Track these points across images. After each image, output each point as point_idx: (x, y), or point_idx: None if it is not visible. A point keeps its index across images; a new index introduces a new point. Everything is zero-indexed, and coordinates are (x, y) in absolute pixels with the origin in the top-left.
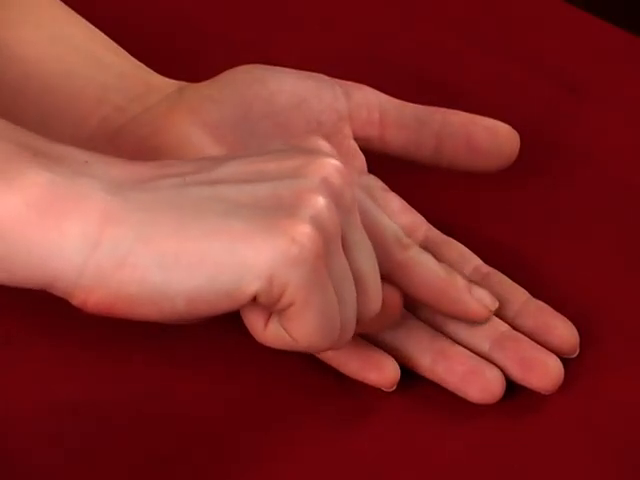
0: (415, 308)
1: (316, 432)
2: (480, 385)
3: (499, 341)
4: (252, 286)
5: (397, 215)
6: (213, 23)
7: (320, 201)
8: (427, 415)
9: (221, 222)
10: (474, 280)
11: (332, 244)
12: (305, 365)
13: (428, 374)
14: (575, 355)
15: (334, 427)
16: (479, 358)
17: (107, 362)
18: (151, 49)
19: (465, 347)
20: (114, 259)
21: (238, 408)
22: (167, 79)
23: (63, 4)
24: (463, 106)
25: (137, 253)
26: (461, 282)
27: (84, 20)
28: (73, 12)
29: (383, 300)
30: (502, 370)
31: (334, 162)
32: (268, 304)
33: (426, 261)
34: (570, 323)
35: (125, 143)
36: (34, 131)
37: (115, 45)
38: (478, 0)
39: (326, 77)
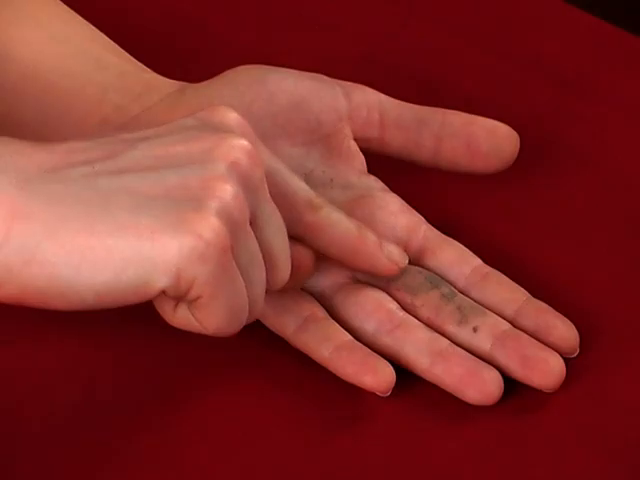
0: (415, 308)
1: (316, 433)
2: (478, 387)
3: (500, 340)
4: (159, 282)
5: (397, 215)
6: (213, 23)
7: (227, 190)
8: (427, 415)
9: (129, 218)
10: (474, 280)
11: (239, 231)
12: (305, 366)
13: (426, 375)
14: (575, 355)
15: (334, 428)
16: (477, 359)
17: (107, 362)
18: (151, 49)
19: (466, 346)
20: (22, 255)
21: (238, 409)
22: (167, 79)
23: (63, 4)
24: (463, 106)
25: (45, 250)
26: (372, 238)
27: (84, 20)
28: (73, 12)
29: (295, 262)
30: (504, 369)
31: (241, 142)
32: (176, 297)
33: (337, 219)
34: (570, 323)
35: None
36: (34, 131)
37: (115, 45)
38: (478, 0)
39: (326, 77)
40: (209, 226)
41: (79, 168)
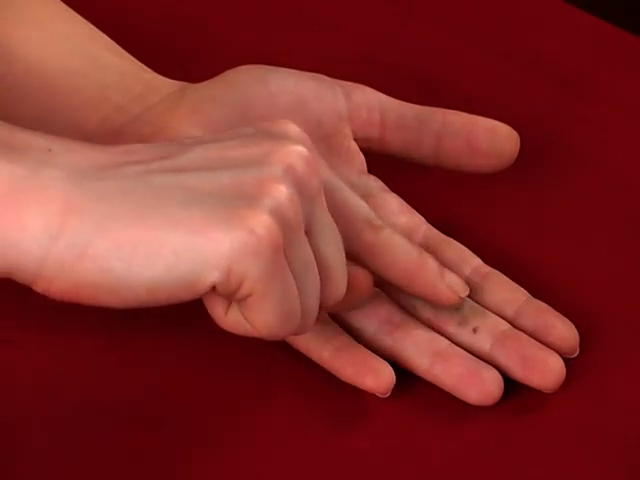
0: (414, 309)
1: (316, 433)
2: (478, 387)
3: (500, 340)
4: (210, 277)
5: (397, 215)
6: (213, 23)
7: (282, 191)
8: (427, 415)
9: (181, 212)
10: (474, 280)
11: (293, 234)
12: (306, 367)
13: (426, 376)
14: (575, 355)
15: (334, 428)
16: (477, 360)
17: (107, 362)
18: (151, 49)
19: (466, 347)
20: (74, 251)
21: (238, 409)
22: (167, 79)
23: (63, 4)
24: (463, 106)
25: (96, 245)
26: (433, 265)
27: (84, 20)
28: (73, 12)
29: (351, 282)
30: (504, 369)
31: (299, 149)
32: (227, 294)
33: (398, 242)
34: (570, 323)
35: (125, 143)
36: (34, 130)
37: (115, 45)
38: (478, 0)
39: (326, 77)
40: (262, 223)
41: (134, 166)
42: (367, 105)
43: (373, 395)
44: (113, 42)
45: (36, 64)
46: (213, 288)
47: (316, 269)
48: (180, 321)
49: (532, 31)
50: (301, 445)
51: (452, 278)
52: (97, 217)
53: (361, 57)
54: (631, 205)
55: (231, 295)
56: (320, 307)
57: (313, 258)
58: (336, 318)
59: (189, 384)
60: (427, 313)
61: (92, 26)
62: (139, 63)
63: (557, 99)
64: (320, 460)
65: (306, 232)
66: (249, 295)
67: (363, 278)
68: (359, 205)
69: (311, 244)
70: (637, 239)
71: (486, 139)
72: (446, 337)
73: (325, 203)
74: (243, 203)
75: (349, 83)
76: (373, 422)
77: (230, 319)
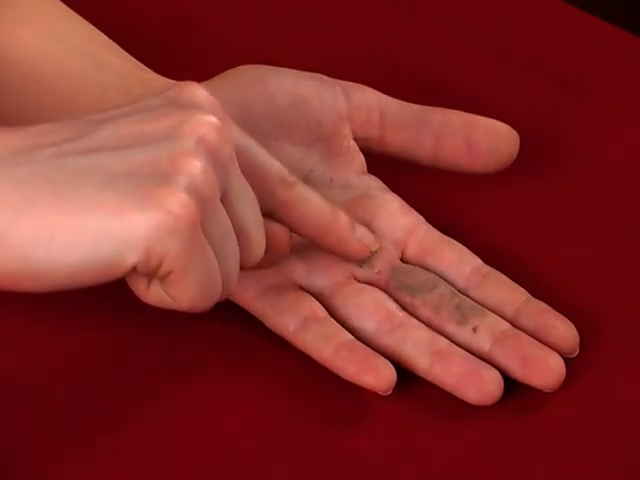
0: (414, 308)
1: (316, 433)
2: (478, 387)
3: (500, 340)
4: (130, 259)
5: (397, 215)
6: (213, 23)
7: (196, 165)
8: (427, 415)
9: (96, 195)
10: (473, 280)
11: (209, 206)
12: (305, 366)
13: (426, 375)
14: (575, 355)
15: (334, 428)
16: (477, 359)
17: (107, 362)
18: (151, 49)
19: (466, 347)
20: None
21: (238, 409)
22: (167, 79)
23: (63, 5)
24: (463, 106)
25: (14, 232)
26: (345, 219)
27: (84, 20)
28: (73, 12)
29: (270, 240)
30: (503, 368)
31: (209, 118)
32: (147, 273)
33: (311, 197)
34: (570, 323)
35: None
36: None
37: (115, 45)
38: (478, 0)
39: (326, 77)
40: (177, 201)
41: (46, 150)
42: (367, 105)
43: (373, 395)
44: (113, 42)
45: (35, 65)
46: (133, 268)
47: (234, 235)
48: (180, 321)
49: (532, 31)
50: (301, 445)
51: (363, 232)
52: (13, 204)
53: (361, 57)
54: (631, 205)
55: (152, 273)
56: (240, 268)
57: (230, 225)
58: (336, 318)
59: (189, 384)
60: (427, 312)
61: (92, 26)
62: (139, 63)
63: (557, 99)
64: (320, 460)
65: (221, 199)
66: (169, 272)
67: (281, 235)
68: (271, 163)
69: (227, 210)
70: (637, 239)
71: (486, 139)
72: (446, 336)
73: (238, 168)
74: (158, 182)
75: (349, 83)
76: (373, 422)
77: (152, 294)
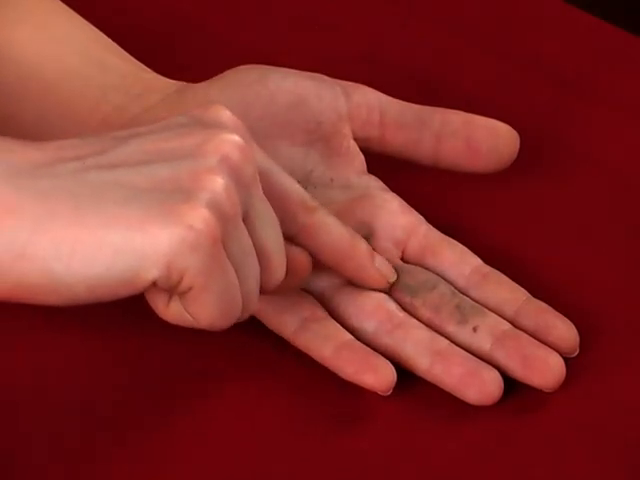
0: (414, 309)
1: (316, 433)
2: (478, 387)
3: (500, 339)
4: (150, 274)
5: (397, 215)
6: (213, 23)
7: (218, 182)
8: (427, 415)
9: (118, 210)
10: (473, 280)
11: (231, 224)
12: (306, 366)
13: (426, 375)
14: (575, 355)
15: (334, 428)
16: (477, 359)
17: (107, 362)
18: (151, 49)
19: (466, 346)
20: (12, 251)
21: (238, 409)
22: (167, 79)
23: (63, 4)
24: (463, 106)
25: (35, 244)
26: (364, 247)
27: (84, 20)
28: (73, 12)
29: (290, 264)
30: (503, 368)
31: (233, 137)
32: (167, 288)
33: (332, 223)
34: (570, 323)
35: None
36: (35, 132)
37: (115, 46)
38: (478, 0)
39: (326, 77)
40: (199, 217)
41: (69, 164)
42: (367, 105)
43: (373, 395)
44: (113, 43)
45: (35, 65)
46: (153, 284)
47: (255, 256)
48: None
49: (532, 31)
50: (301, 445)
51: (382, 262)
52: (34, 217)
53: (361, 57)
54: (631, 205)
55: (172, 289)
56: (260, 291)
57: (252, 245)
58: (336, 318)
59: (189, 384)
60: (427, 312)
61: (92, 26)
62: (139, 63)
63: (557, 99)
64: (320, 460)
65: (244, 219)
66: (190, 289)
67: (302, 259)
68: (294, 187)
69: (249, 230)
70: (637, 239)
71: (486, 139)
72: (446, 336)
73: (261, 189)
74: (180, 198)
75: (349, 83)
76: (373, 422)
77: (172, 311)
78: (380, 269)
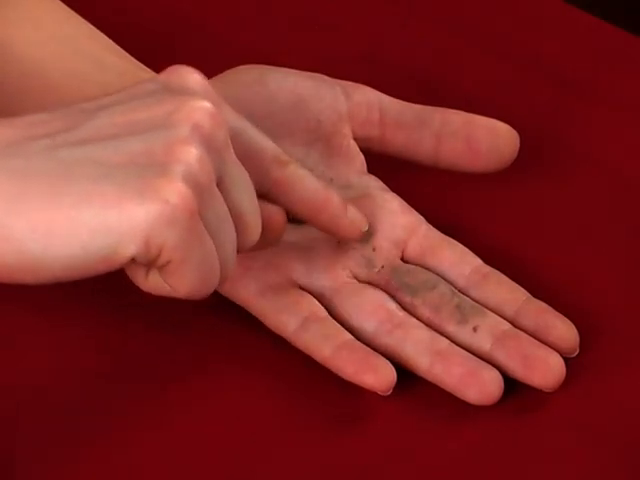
0: (414, 308)
1: (316, 433)
2: (478, 387)
3: (500, 339)
4: (128, 250)
5: (397, 215)
6: (213, 23)
7: (192, 153)
8: (427, 415)
9: (93, 187)
10: (474, 280)
11: (206, 194)
12: (305, 365)
13: (426, 375)
14: (575, 355)
15: (334, 428)
16: (477, 359)
17: (107, 362)
18: (151, 49)
19: (466, 346)
20: None
21: (238, 408)
22: None
23: (63, 4)
24: (463, 106)
25: (10, 226)
26: (337, 198)
27: (84, 20)
28: (73, 12)
29: (266, 221)
30: (504, 368)
31: (203, 104)
32: (146, 263)
33: (305, 176)
34: (570, 323)
35: None
36: None
37: (115, 45)
38: (478, 0)
39: (326, 77)
40: (175, 191)
41: (40, 141)
42: (367, 105)
43: (373, 395)
44: (113, 43)
45: (35, 64)
46: (132, 259)
47: (231, 221)
48: (179, 318)
49: (532, 31)
50: (301, 445)
51: (354, 212)
52: (8, 197)
53: (361, 57)
54: (631, 205)
55: (150, 263)
56: (237, 252)
57: (227, 210)
58: (336, 318)
59: (189, 383)
60: (427, 312)
61: (91, 26)
62: (137, 62)
63: (557, 99)
64: (320, 460)
65: (218, 185)
66: (168, 262)
67: (277, 216)
68: (266, 143)
69: (224, 196)
70: (637, 239)
71: (486, 139)
72: (446, 336)
73: (233, 152)
74: (154, 172)
75: (349, 83)
76: (373, 422)
77: (150, 283)
78: (353, 219)
